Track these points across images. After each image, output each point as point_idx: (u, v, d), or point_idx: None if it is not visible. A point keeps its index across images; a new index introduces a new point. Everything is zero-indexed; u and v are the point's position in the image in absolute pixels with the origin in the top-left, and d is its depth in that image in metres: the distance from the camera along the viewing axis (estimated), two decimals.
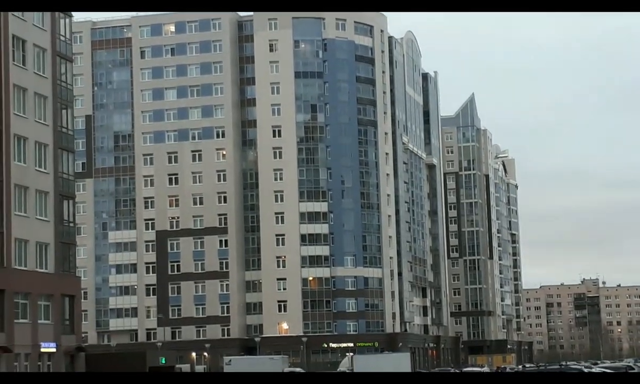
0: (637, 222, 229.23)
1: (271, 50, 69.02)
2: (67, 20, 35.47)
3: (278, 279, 66.98)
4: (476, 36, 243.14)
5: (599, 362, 65.79)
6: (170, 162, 70.33)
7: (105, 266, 70.05)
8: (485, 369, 58.39)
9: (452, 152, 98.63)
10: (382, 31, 73.73)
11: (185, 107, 71.11)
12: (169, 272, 68.58)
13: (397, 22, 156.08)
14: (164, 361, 42.06)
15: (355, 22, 70.03)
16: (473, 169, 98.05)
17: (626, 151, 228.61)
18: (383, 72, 73.45)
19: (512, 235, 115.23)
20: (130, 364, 38.92)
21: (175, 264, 68.79)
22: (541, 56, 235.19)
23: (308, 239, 67.50)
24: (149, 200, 70.11)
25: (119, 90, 72.55)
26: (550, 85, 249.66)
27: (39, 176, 32.36)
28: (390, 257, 70.97)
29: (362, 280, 68.35)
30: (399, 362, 45.01)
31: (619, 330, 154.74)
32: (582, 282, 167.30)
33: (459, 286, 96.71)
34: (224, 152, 69.75)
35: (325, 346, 66.05)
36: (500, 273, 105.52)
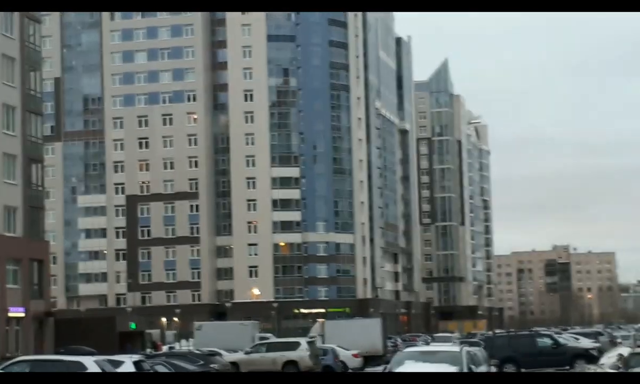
0: (608, 189, 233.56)
1: (243, 13, 67.71)
2: None
3: (249, 244, 67.45)
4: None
5: (568, 328, 67.46)
6: (140, 126, 69.39)
7: (75, 231, 69.58)
8: (456, 335, 58.58)
9: (425, 117, 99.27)
10: None
11: (156, 71, 69.87)
12: (139, 237, 68.48)
13: None
14: (133, 327, 42.31)
15: None
16: (446, 135, 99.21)
17: (598, 116, 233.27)
18: (356, 36, 72.79)
19: (484, 201, 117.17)
20: (100, 330, 39.19)
21: (146, 229, 68.70)
22: (514, 22, 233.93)
23: (280, 204, 67.74)
24: (119, 164, 69.34)
25: (88, 52, 70.90)
26: (523, 51, 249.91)
27: (7, 139, 32.08)
28: (362, 223, 71.79)
29: (333, 246, 69.16)
30: (370, 328, 44.66)
31: (589, 296, 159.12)
32: (553, 248, 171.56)
33: (431, 252, 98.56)
34: (195, 117, 68.94)
35: (297, 311, 67.15)
36: (472, 239, 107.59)
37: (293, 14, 68.62)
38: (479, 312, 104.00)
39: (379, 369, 18.89)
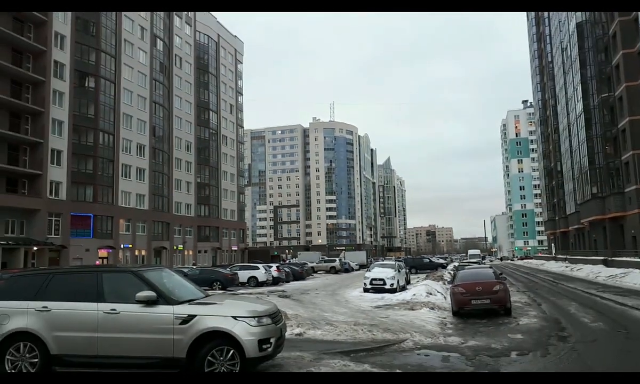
0: None
1: None
2: None
3: (317, 223, 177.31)
4: None
5: (436, 255, 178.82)
6: None
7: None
8: (393, 258, 69.46)
9: (380, 179, 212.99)
10: None
11: None
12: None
13: None
14: (275, 253, 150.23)
15: None
16: (388, 183, 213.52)
17: None
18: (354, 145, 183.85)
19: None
20: (264, 254, 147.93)
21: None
22: None
23: (328, 207, 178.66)
24: None
25: None
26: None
27: None
28: (360, 215, 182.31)
29: (349, 225, 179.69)
30: (361, 255, 78.60)
31: (442, 242, 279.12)
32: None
33: (384, 228, 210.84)
34: None
35: (335, 248, 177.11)
36: (389, 224, 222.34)
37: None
38: (401, 248, 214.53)
39: (366, 271, 30.90)
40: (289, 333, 11.56)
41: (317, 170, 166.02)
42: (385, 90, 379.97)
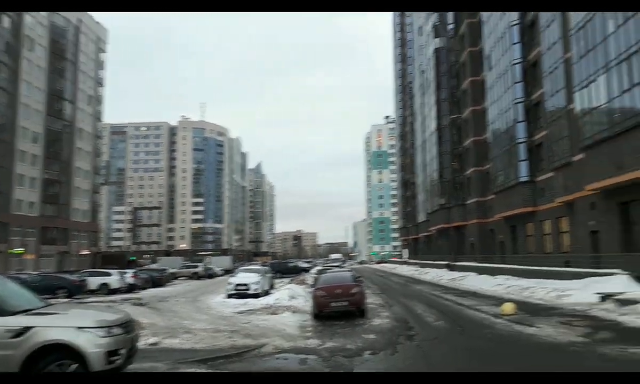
0: None
1: None
2: None
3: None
4: None
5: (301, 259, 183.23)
6: None
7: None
8: (260, 263, 75.27)
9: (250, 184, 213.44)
10: None
11: None
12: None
13: None
14: (133, 258, 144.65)
15: None
16: (258, 188, 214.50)
17: None
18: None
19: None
20: (120, 259, 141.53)
21: None
22: None
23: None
24: None
25: None
26: None
27: None
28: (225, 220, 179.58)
29: (214, 229, 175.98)
30: (226, 260, 78.21)
31: (308, 247, 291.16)
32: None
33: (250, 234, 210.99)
34: None
35: (200, 254, 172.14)
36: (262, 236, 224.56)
37: None
38: (269, 253, 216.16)
39: (230, 276, 29.78)
40: (142, 343, 10.94)
41: (184, 171, 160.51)
42: (260, 95, 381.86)
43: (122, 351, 7.43)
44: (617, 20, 22.96)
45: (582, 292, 19.30)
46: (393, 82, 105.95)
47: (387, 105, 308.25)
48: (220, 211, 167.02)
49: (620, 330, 12.34)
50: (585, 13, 25.72)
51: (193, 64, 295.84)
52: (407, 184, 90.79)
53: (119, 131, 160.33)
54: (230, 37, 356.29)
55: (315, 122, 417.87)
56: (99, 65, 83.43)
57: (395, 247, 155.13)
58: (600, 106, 24.83)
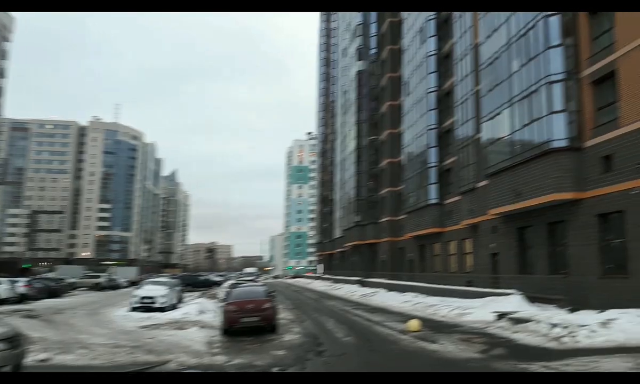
0: None
1: None
2: None
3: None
4: None
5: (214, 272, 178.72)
6: None
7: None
8: (169, 275, 74.61)
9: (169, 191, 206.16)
10: None
11: None
12: None
13: None
14: (28, 266, 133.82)
15: None
16: (173, 197, 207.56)
17: None
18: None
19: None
20: (12, 266, 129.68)
21: None
22: None
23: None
24: None
25: None
26: None
27: None
28: (137, 227, 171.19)
29: (121, 238, 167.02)
30: (131, 271, 73.18)
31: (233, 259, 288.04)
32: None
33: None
34: None
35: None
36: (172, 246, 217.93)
37: None
38: (179, 265, 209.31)
39: (135, 288, 29.05)
40: (31, 359, 9.98)
41: (92, 174, 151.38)
42: (181, 103, 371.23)
43: (6, 369, 6.73)
44: (521, 59, 24.99)
45: (481, 310, 20.45)
46: (316, 100, 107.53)
47: (310, 121, 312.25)
48: (129, 218, 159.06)
49: (512, 347, 13.18)
50: (494, 51, 27.77)
51: (107, 66, 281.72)
52: (325, 200, 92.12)
53: (20, 128, 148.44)
54: (152, 41, 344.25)
55: (237, 134, 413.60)
56: (2, 54, 76.99)
57: (311, 261, 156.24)
58: (503, 137, 26.78)
